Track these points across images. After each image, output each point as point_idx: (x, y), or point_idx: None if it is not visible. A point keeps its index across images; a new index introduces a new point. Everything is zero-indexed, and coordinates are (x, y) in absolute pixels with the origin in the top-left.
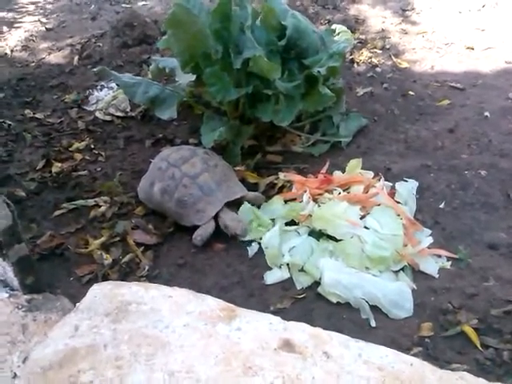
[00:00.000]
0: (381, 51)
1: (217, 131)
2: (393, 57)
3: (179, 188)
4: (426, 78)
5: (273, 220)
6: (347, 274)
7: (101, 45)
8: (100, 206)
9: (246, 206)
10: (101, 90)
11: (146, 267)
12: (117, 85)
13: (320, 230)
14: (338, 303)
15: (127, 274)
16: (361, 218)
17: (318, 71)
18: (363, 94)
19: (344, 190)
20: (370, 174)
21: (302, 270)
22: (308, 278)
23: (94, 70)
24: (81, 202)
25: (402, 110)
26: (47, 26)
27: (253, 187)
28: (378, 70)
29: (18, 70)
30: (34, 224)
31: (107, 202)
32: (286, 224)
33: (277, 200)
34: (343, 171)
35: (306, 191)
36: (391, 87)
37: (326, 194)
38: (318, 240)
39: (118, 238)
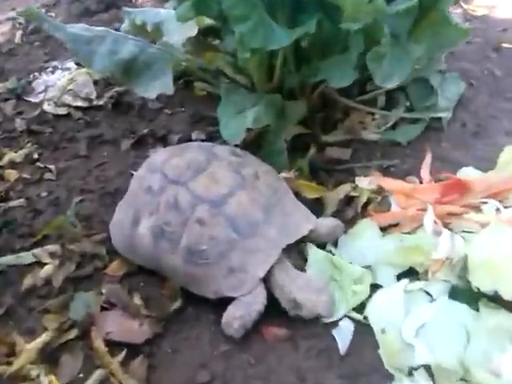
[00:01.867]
0: None
1: (248, 113)
2: (462, 3)
3: (190, 227)
4: None
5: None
6: None
7: (53, 15)
8: (43, 265)
9: (316, 250)
10: (52, 72)
11: None
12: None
13: (479, 291)
14: None
15: None
16: None
17: None
18: None
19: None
20: None
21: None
22: None
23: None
24: (8, 258)
25: (503, 68)
26: None
27: (313, 206)
28: None
29: None
30: None
31: (56, 254)
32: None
33: (366, 228)
34: (454, 167)
35: (428, 209)
36: (475, 40)
37: (472, 214)
38: (476, 309)
39: (73, 334)
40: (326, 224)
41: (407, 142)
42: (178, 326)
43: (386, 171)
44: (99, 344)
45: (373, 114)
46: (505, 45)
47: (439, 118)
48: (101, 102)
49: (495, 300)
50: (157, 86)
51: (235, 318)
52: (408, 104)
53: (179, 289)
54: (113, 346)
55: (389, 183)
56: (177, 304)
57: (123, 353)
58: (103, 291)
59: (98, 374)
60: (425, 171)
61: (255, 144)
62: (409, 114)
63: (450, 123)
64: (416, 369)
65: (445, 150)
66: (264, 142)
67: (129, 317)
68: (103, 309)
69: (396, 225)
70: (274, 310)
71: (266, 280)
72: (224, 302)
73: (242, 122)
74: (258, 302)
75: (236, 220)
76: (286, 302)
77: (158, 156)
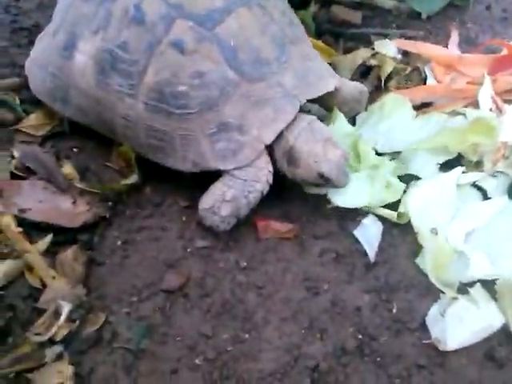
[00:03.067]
0: None
1: None
2: None
3: (160, 55)
4: None
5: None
6: None
7: None
8: None
9: (342, 122)
10: None
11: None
12: None
13: None
14: None
15: None
16: None
17: None
18: None
19: None
20: None
21: None
22: None
23: None
24: None
25: None
26: None
27: None
28: None
29: None
30: None
31: None
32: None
33: (395, 105)
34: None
35: (485, 81)
36: None
37: None
38: None
39: None
40: (351, 86)
41: (428, 14)
42: (132, 209)
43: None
44: (8, 223)
45: None
46: None
47: None
48: None
49: None
50: None
51: (224, 200)
52: None
53: (136, 157)
54: (31, 229)
55: (427, 49)
56: (131, 179)
57: (47, 239)
58: (15, 153)
59: (5, 265)
60: (454, 47)
61: None
62: None
63: (473, 4)
64: (470, 285)
65: (471, 32)
66: None
67: (56, 191)
68: (15, 177)
69: (429, 104)
70: (275, 196)
71: (272, 145)
72: (203, 180)
73: None
74: (260, 181)
75: (236, 51)
76: (281, 158)
77: None
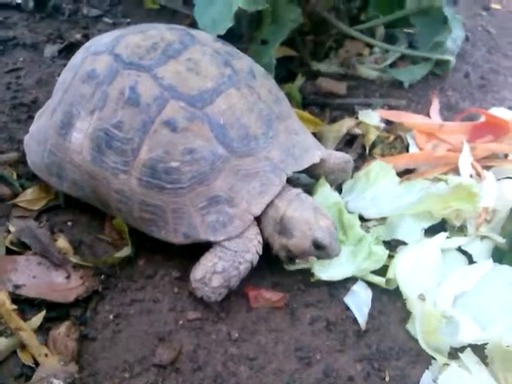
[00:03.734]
0: None
1: None
2: None
3: (154, 133)
4: None
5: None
6: None
7: None
8: None
9: (326, 190)
10: None
11: None
12: None
13: None
14: None
15: None
16: None
17: None
18: None
19: None
20: None
21: None
22: None
23: None
24: None
25: (496, 27)
26: None
27: None
28: None
29: None
30: None
31: None
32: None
33: (379, 172)
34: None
35: (463, 148)
36: None
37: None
38: None
39: None
40: (337, 156)
41: (410, 83)
42: (124, 282)
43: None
44: (2, 301)
45: (371, 47)
46: (494, 5)
47: (440, 64)
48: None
49: None
50: None
51: (215, 272)
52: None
53: (129, 230)
54: (25, 304)
55: (408, 118)
56: (124, 252)
57: (40, 315)
58: (11, 228)
59: None
60: (435, 114)
61: None
62: (414, 51)
63: (451, 72)
64: (460, 350)
65: (451, 99)
66: (249, 53)
67: (50, 266)
68: (10, 252)
69: (412, 171)
70: (265, 265)
71: (260, 217)
72: (195, 251)
73: (229, 4)
74: (250, 251)
75: (225, 129)
76: (272, 230)
77: (104, 35)
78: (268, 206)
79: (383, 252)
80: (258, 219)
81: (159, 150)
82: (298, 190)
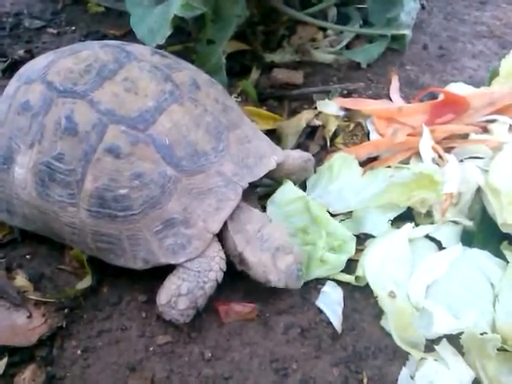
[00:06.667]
0: None
1: (174, 1)
2: None
3: (97, 162)
4: None
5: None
6: None
7: None
8: None
9: (290, 188)
10: None
11: None
12: None
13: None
14: None
15: None
16: None
17: None
18: None
19: None
20: None
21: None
22: None
23: None
24: None
25: None
26: None
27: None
28: None
29: None
30: None
31: None
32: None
33: (342, 164)
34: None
35: (423, 131)
36: None
37: (479, 136)
38: (498, 255)
39: None
40: (295, 156)
41: (367, 63)
42: (90, 313)
43: (347, 97)
44: None
45: (324, 30)
46: None
47: (397, 39)
48: None
49: None
50: None
51: (180, 294)
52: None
53: (87, 259)
54: None
55: (366, 104)
56: (86, 282)
57: (2, 362)
58: None
59: None
60: (395, 94)
61: (184, 58)
62: (369, 29)
63: (409, 46)
64: (436, 341)
65: (411, 74)
66: (197, 56)
67: (10, 307)
68: None
69: (375, 158)
70: (233, 277)
71: (220, 234)
72: (158, 274)
73: (166, 12)
74: (213, 269)
75: (172, 148)
76: (232, 255)
77: (38, 60)
78: (227, 222)
79: (337, 259)
80: (220, 234)
81: (105, 179)
82: (264, 221)
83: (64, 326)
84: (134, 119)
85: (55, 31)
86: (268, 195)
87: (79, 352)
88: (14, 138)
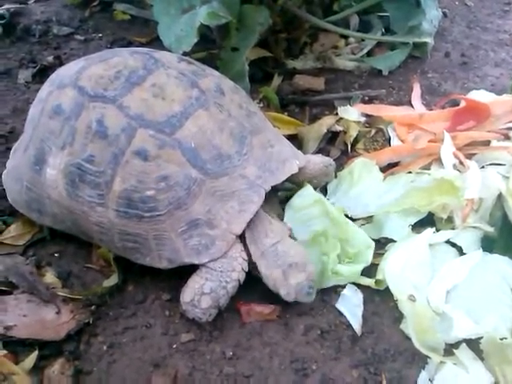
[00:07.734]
0: None
1: (199, 10)
2: None
3: (125, 164)
4: None
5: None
6: None
7: None
8: None
9: (305, 189)
10: None
11: None
12: None
13: None
14: None
15: None
16: None
17: None
18: None
19: None
20: None
21: None
22: None
23: None
24: None
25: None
26: None
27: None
28: None
29: None
30: None
31: None
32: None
33: (363, 169)
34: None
35: (445, 138)
36: None
37: (501, 143)
38: None
39: None
40: (316, 161)
41: (389, 70)
42: (115, 310)
43: (369, 104)
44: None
45: (346, 37)
46: None
47: (419, 46)
48: None
49: None
50: None
51: (203, 293)
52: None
53: (115, 257)
54: (17, 346)
55: (387, 110)
56: (112, 280)
57: (33, 355)
58: None
59: None
60: (417, 101)
61: (208, 64)
62: (390, 37)
63: (431, 53)
64: (456, 346)
65: (433, 81)
66: (221, 62)
67: (40, 303)
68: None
69: (395, 164)
70: (255, 278)
71: (243, 236)
72: (182, 273)
73: (192, 20)
74: (236, 270)
75: (197, 151)
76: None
77: (69, 66)
78: (249, 223)
79: (349, 271)
80: (243, 235)
81: (132, 180)
82: (283, 235)
83: (91, 322)
84: (162, 124)
85: (82, 38)
86: (288, 199)
87: (105, 348)
88: (45, 140)
